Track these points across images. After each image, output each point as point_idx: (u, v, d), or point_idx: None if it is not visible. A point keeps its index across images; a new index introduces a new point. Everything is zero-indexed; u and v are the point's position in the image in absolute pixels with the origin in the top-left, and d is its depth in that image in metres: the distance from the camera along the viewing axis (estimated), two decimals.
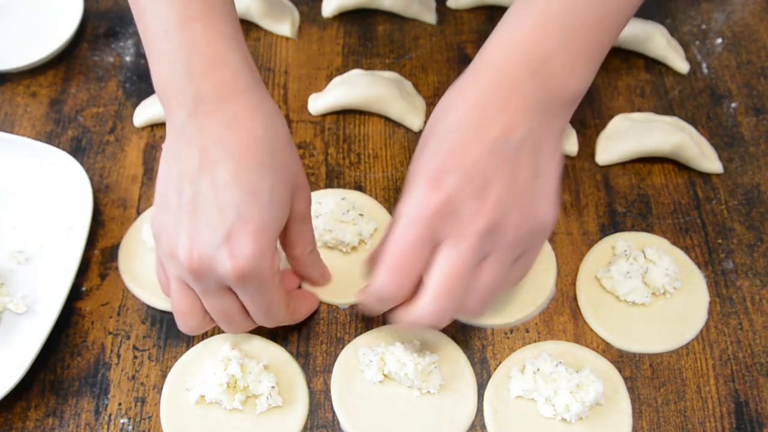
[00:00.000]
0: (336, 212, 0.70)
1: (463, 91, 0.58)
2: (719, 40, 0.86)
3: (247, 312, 0.60)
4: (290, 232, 0.60)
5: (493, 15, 0.88)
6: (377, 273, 0.56)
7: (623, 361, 0.66)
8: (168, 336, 0.67)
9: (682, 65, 0.83)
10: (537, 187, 0.57)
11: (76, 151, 0.77)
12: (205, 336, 0.67)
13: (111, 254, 0.71)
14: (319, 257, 0.66)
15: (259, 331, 0.67)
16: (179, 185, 0.55)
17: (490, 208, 0.54)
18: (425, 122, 0.79)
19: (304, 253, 0.63)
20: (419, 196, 0.54)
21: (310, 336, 0.67)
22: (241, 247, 0.53)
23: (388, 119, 0.79)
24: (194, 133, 0.55)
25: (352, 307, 0.68)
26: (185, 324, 0.61)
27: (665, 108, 0.81)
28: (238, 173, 0.54)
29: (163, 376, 0.65)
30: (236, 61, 0.57)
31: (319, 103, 0.80)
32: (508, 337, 0.67)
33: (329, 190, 0.75)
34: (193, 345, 0.66)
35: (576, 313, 0.69)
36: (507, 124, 0.55)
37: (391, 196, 0.75)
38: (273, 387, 0.62)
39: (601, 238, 0.72)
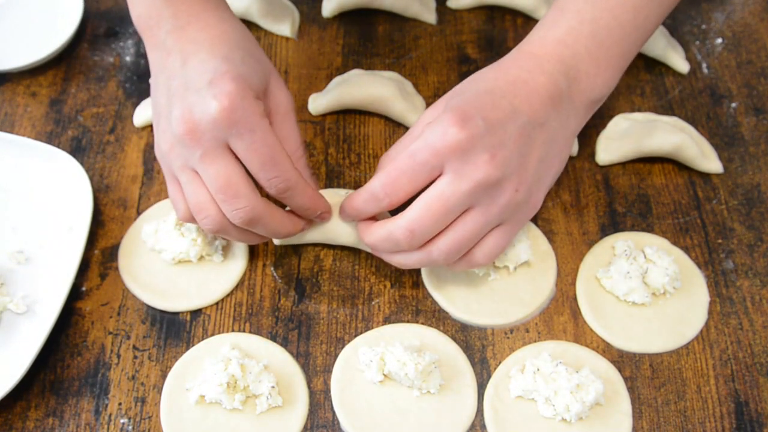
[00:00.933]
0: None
1: (504, 68, 0.63)
2: (719, 40, 0.86)
3: (251, 184, 0.59)
4: (274, 129, 0.62)
5: (493, 15, 0.88)
6: (377, 174, 0.60)
7: (623, 361, 0.66)
8: (168, 336, 0.67)
9: (682, 65, 0.83)
10: (540, 170, 0.62)
11: (76, 151, 0.77)
12: (205, 336, 0.67)
13: (111, 254, 0.71)
14: (310, 171, 0.65)
15: (259, 331, 0.67)
16: (167, 87, 0.61)
17: (496, 164, 0.58)
18: None
19: (293, 155, 0.63)
20: (443, 125, 0.58)
21: (310, 336, 0.67)
22: (222, 87, 0.57)
23: (388, 119, 0.79)
24: (173, 42, 0.62)
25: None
26: (205, 216, 0.60)
27: (665, 108, 0.81)
28: (212, 53, 0.60)
29: (163, 376, 0.65)
30: None
31: (319, 103, 0.80)
32: (508, 337, 0.67)
33: (329, 190, 0.75)
34: (193, 345, 0.66)
35: (576, 313, 0.69)
36: (534, 107, 0.60)
37: None
38: (273, 387, 0.62)
39: (601, 238, 0.72)
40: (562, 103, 0.62)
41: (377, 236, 0.61)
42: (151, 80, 0.65)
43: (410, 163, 0.58)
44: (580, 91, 0.63)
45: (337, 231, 0.66)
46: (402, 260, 0.63)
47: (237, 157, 0.59)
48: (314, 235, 0.67)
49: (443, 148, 0.57)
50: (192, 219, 0.63)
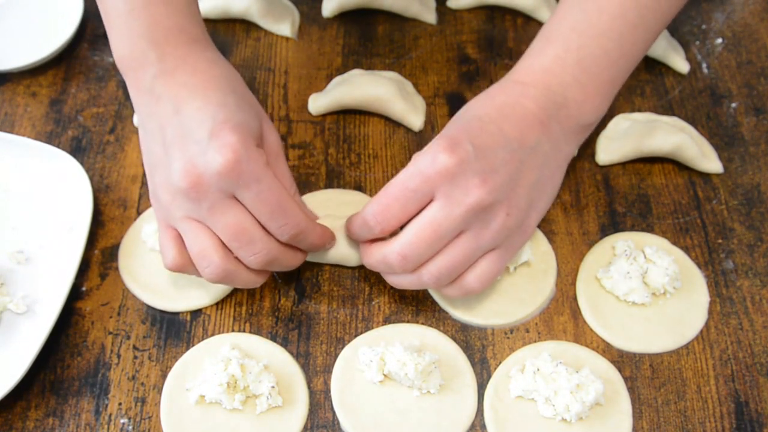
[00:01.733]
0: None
1: (491, 95, 0.64)
2: (719, 40, 0.86)
3: (262, 228, 0.59)
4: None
5: (493, 15, 0.88)
6: (370, 202, 0.61)
7: (623, 361, 0.66)
8: (168, 336, 0.67)
9: (682, 65, 0.83)
10: (533, 195, 0.62)
11: (76, 151, 0.77)
12: (205, 336, 0.67)
13: (111, 254, 0.71)
14: (305, 205, 0.65)
15: (259, 331, 0.67)
16: (162, 135, 0.60)
17: (488, 189, 0.58)
18: (425, 122, 0.79)
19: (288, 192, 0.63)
20: (432, 152, 0.58)
21: (310, 336, 0.67)
22: (225, 140, 0.56)
23: (388, 119, 0.79)
24: (162, 87, 0.61)
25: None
26: (209, 264, 0.59)
27: (665, 108, 0.81)
28: (206, 100, 0.59)
29: (163, 376, 0.65)
30: (194, 30, 0.64)
31: (319, 103, 0.80)
32: (508, 337, 0.67)
33: (329, 191, 0.75)
34: (193, 345, 0.66)
35: (576, 313, 0.69)
36: (523, 132, 0.61)
37: None
38: (273, 387, 0.62)
39: (601, 238, 0.72)
40: (551, 127, 0.63)
41: (373, 259, 0.62)
42: (137, 124, 0.63)
43: (401, 190, 0.59)
44: (569, 116, 0.64)
45: (342, 255, 0.67)
46: (396, 281, 0.63)
47: (243, 205, 0.58)
48: (317, 258, 0.68)
49: (433, 174, 0.58)
50: (182, 268, 0.61)
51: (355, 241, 0.65)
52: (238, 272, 0.61)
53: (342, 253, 0.66)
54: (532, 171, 0.61)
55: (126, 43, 0.63)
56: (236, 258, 0.60)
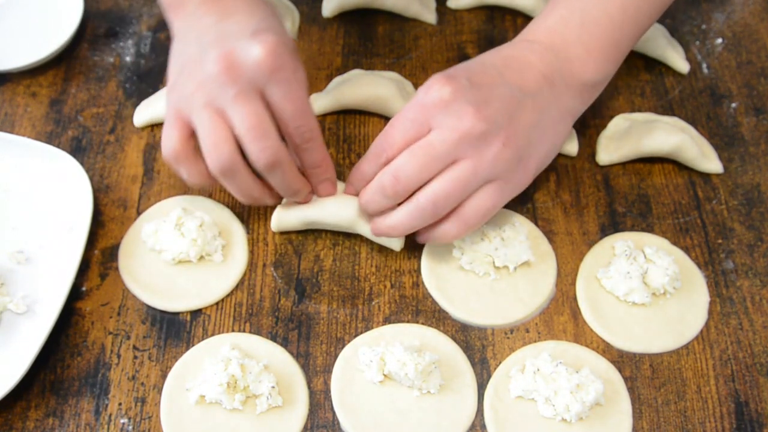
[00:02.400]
0: None
1: (498, 49, 0.68)
2: (719, 40, 0.86)
3: (276, 128, 0.62)
4: None
5: (493, 15, 0.88)
6: (377, 138, 0.65)
7: (623, 361, 0.66)
8: (168, 336, 0.67)
9: (682, 65, 0.83)
10: (532, 136, 0.64)
11: (76, 151, 0.77)
12: (205, 336, 0.67)
13: (111, 254, 0.71)
14: (322, 147, 0.66)
15: (259, 331, 0.67)
16: (199, 40, 0.62)
17: (480, 117, 0.61)
18: None
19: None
20: (428, 86, 0.62)
21: (310, 336, 0.67)
22: (266, 37, 0.60)
23: (388, 119, 0.79)
24: (205, 10, 0.63)
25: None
26: (219, 153, 0.61)
27: (665, 108, 0.81)
28: (250, 14, 0.62)
29: (163, 376, 0.65)
30: None
31: (319, 103, 0.80)
32: (508, 337, 0.67)
33: None
34: (193, 345, 0.66)
35: (576, 313, 0.69)
36: (524, 78, 0.64)
37: None
38: (273, 387, 0.62)
39: (601, 238, 0.72)
40: (554, 81, 0.66)
41: (368, 192, 0.64)
42: (173, 46, 0.65)
43: (401, 121, 0.63)
44: (572, 72, 0.67)
45: (335, 211, 0.68)
46: (393, 221, 0.64)
47: (268, 103, 0.61)
48: (313, 213, 0.68)
49: (428, 103, 0.62)
50: (179, 157, 0.63)
51: (360, 185, 0.66)
52: (241, 171, 0.62)
53: (334, 210, 0.68)
54: (531, 113, 0.64)
55: None
56: (243, 160, 0.62)
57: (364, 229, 0.69)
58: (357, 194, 0.67)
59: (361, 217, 0.68)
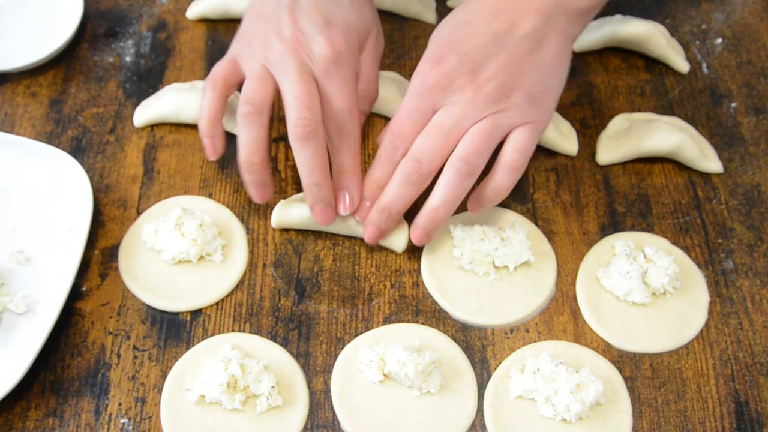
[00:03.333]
0: None
1: None
2: (719, 40, 0.86)
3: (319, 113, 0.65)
4: (362, 56, 0.70)
5: None
6: (384, 134, 0.67)
7: (623, 361, 0.66)
8: (168, 336, 0.67)
9: (682, 65, 0.83)
10: (539, 74, 0.65)
11: (76, 151, 0.77)
12: (205, 336, 0.67)
13: (111, 254, 0.71)
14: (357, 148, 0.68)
15: (259, 331, 0.67)
16: (276, 1, 0.67)
17: (481, 84, 0.63)
18: None
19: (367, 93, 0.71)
20: (421, 72, 0.65)
21: (310, 336, 0.67)
22: (334, 35, 0.65)
23: (388, 119, 0.79)
24: None
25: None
26: (252, 98, 0.65)
27: (665, 108, 0.81)
28: None
29: (163, 376, 0.65)
30: None
31: None
32: (508, 337, 0.67)
33: None
34: (193, 345, 0.66)
35: (576, 313, 0.69)
36: (515, 20, 0.64)
37: None
38: (273, 387, 0.62)
39: (601, 238, 0.72)
40: (550, 12, 0.65)
41: (392, 187, 0.65)
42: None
43: (406, 113, 0.65)
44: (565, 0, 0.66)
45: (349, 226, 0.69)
46: (435, 201, 0.64)
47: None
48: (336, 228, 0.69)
49: (426, 91, 0.64)
50: (217, 83, 0.68)
51: (378, 187, 0.66)
52: (261, 125, 0.65)
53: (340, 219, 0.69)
54: (529, 53, 0.64)
55: None
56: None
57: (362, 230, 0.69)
58: (375, 191, 0.67)
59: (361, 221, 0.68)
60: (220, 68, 0.69)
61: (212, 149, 0.69)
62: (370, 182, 0.67)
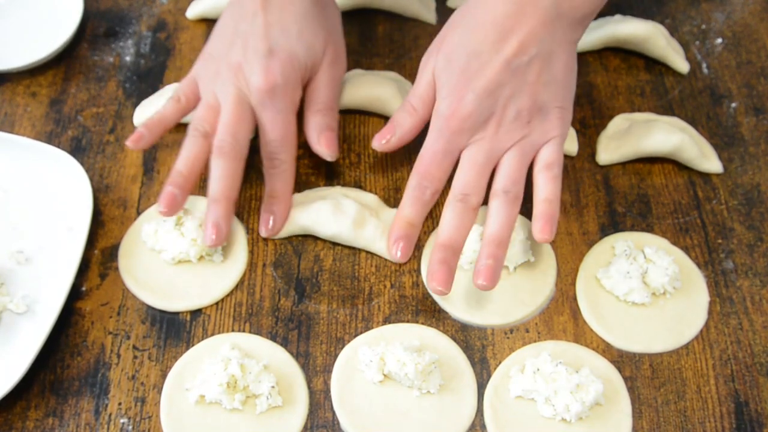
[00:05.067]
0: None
1: (490, 8, 0.67)
2: (719, 40, 0.86)
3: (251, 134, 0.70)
4: (313, 83, 0.73)
5: None
6: (412, 175, 0.70)
7: (623, 361, 0.66)
8: (168, 336, 0.67)
9: (682, 65, 0.83)
10: (551, 89, 0.67)
11: (76, 151, 0.77)
12: (205, 336, 0.67)
13: (111, 254, 0.71)
14: (325, 125, 0.72)
15: (259, 331, 0.67)
16: (237, 24, 0.71)
17: (501, 118, 0.66)
18: None
19: (310, 109, 0.73)
20: (443, 115, 0.67)
21: (310, 336, 0.67)
22: (272, 65, 0.68)
23: (387, 119, 0.79)
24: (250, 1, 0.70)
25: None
26: (200, 126, 0.69)
27: (665, 108, 0.81)
28: (277, 20, 0.70)
29: (163, 376, 0.65)
30: None
31: None
32: (508, 337, 0.67)
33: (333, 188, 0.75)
34: (193, 345, 0.66)
35: (576, 313, 0.69)
36: (523, 42, 0.65)
37: (391, 196, 0.75)
38: (273, 387, 0.62)
39: (601, 238, 0.72)
40: (554, 23, 0.66)
41: (447, 226, 0.67)
42: (226, 7, 0.74)
43: (432, 155, 0.68)
44: (567, 7, 0.66)
45: (330, 221, 0.69)
46: (497, 230, 0.65)
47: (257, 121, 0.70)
48: (307, 220, 0.70)
49: (451, 135, 0.67)
50: (175, 103, 0.72)
51: (411, 227, 0.69)
52: (201, 145, 0.69)
53: (337, 225, 0.70)
54: (539, 74, 0.66)
55: None
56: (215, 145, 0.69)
57: (361, 241, 0.70)
58: (401, 249, 0.69)
59: (357, 228, 0.69)
60: (182, 88, 0.73)
61: (139, 139, 0.70)
62: (401, 220, 0.69)
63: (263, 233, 0.71)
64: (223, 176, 0.68)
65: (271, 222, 0.70)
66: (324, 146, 0.71)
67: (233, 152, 0.68)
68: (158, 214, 0.69)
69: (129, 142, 0.70)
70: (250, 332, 0.67)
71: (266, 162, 0.70)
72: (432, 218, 0.73)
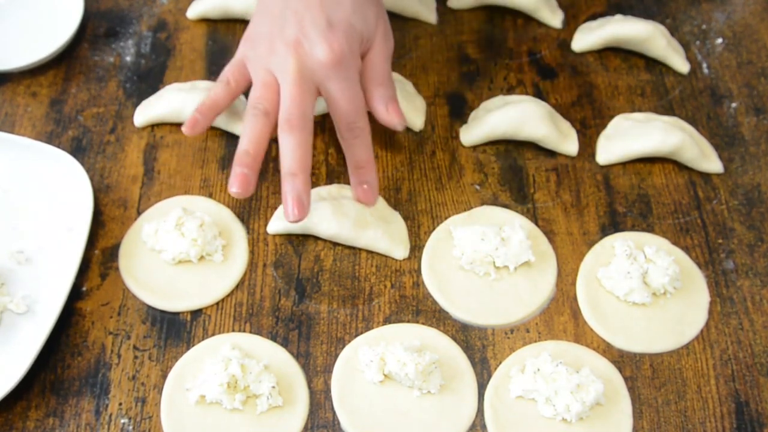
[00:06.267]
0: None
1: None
2: (719, 40, 0.86)
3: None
4: (370, 57, 0.71)
5: (493, 15, 0.88)
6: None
7: (623, 361, 0.66)
8: (168, 336, 0.67)
9: (682, 65, 0.83)
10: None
11: (77, 151, 0.77)
12: (205, 336, 0.67)
13: (111, 254, 0.71)
14: (389, 96, 0.71)
15: (259, 331, 0.67)
16: (285, 2, 0.69)
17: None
18: (425, 122, 0.79)
19: (372, 83, 0.70)
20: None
21: (310, 336, 0.67)
22: (336, 37, 0.66)
23: None
24: None
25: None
26: (259, 104, 0.67)
27: (665, 108, 0.81)
28: None
29: (164, 376, 0.65)
30: None
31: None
32: (508, 337, 0.67)
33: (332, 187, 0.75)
34: (193, 345, 0.66)
35: (576, 313, 0.69)
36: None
37: (391, 196, 0.75)
38: (273, 387, 0.62)
39: (601, 238, 0.72)
40: None
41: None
42: None
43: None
44: None
45: (329, 219, 0.69)
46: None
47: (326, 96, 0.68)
48: (308, 221, 0.70)
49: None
50: (221, 84, 0.71)
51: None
52: (265, 124, 0.67)
53: (337, 225, 0.70)
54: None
55: None
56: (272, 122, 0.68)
57: (362, 241, 0.70)
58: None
59: (359, 228, 0.69)
60: (230, 70, 0.72)
61: (194, 124, 0.70)
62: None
63: (366, 204, 0.70)
64: (297, 148, 0.66)
65: (368, 191, 0.70)
66: (395, 116, 0.70)
67: (302, 124, 0.66)
68: (160, 215, 0.68)
69: (185, 129, 0.70)
70: (250, 332, 0.67)
71: (346, 133, 0.69)
72: (433, 218, 0.73)
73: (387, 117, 0.70)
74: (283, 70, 0.67)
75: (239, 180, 0.65)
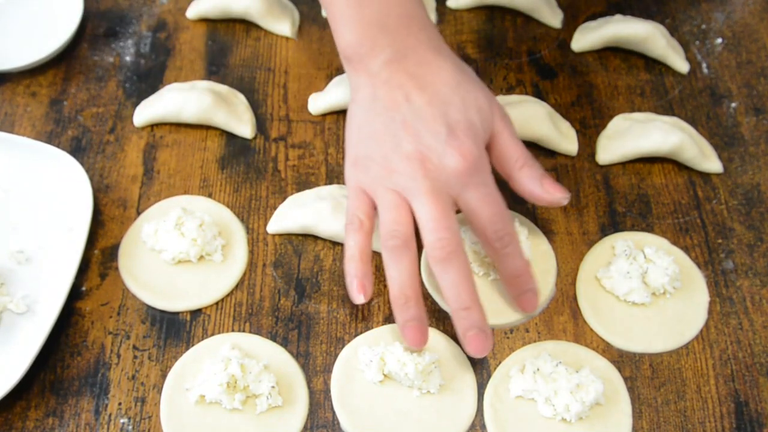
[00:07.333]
0: None
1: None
2: (719, 40, 0.86)
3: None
4: (499, 143, 0.65)
5: (493, 15, 0.88)
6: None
7: (623, 361, 0.66)
8: (168, 336, 0.67)
9: (682, 65, 0.83)
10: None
11: (76, 151, 0.77)
12: (205, 336, 0.67)
13: (111, 254, 0.71)
14: (539, 174, 0.65)
15: (259, 331, 0.67)
16: (386, 116, 0.63)
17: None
18: None
19: (513, 168, 0.65)
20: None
21: (310, 336, 0.67)
22: (461, 143, 0.61)
23: None
24: (390, 74, 0.64)
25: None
26: (396, 232, 0.61)
27: (665, 108, 0.81)
28: (435, 95, 0.63)
29: (163, 376, 0.65)
30: (422, 17, 0.67)
31: (319, 103, 0.80)
32: (508, 337, 0.67)
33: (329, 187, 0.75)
34: (193, 345, 0.66)
35: (576, 313, 0.69)
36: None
37: None
38: (273, 387, 0.62)
39: (601, 238, 0.72)
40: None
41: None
42: (352, 106, 0.67)
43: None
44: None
45: (331, 220, 0.69)
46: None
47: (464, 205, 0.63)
48: (310, 221, 0.69)
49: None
50: (356, 225, 0.64)
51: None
52: (410, 251, 0.62)
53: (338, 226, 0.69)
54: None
55: (357, 29, 0.65)
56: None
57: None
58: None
59: None
60: (354, 205, 0.65)
61: (362, 289, 0.63)
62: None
63: (529, 312, 0.67)
64: (463, 280, 0.61)
65: (533, 298, 0.66)
66: (555, 191, 0.65)
67: (457, 249, 0.61)
68: (160, 215, 0.68)
69: (359, 298, 0.63)
70: (250, 332, 0.67)
71: (495, 243, 0.62)
72: None
73: (547, 196, 0.65)
74: (413, 189, 0.62)
75: (413, 332, 0.62)
